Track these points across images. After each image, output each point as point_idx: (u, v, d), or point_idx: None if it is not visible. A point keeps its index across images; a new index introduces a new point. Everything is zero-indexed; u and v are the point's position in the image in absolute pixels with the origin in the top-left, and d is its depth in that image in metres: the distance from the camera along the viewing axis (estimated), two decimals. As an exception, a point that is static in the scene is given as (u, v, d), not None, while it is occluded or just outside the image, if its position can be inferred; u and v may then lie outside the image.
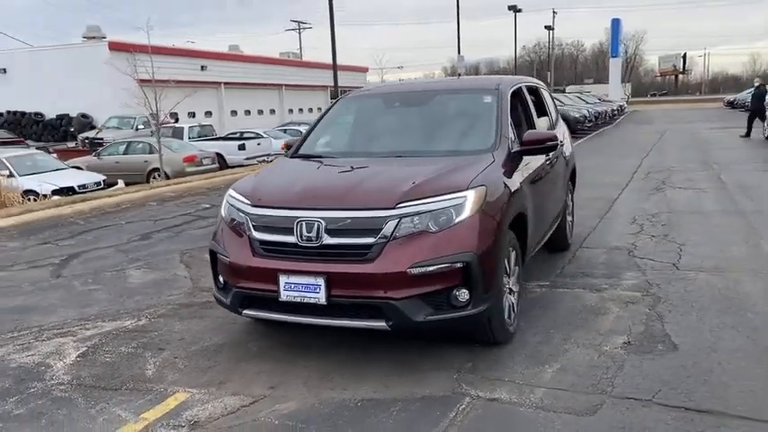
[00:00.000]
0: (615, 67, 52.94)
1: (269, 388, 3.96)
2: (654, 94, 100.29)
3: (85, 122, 29.92)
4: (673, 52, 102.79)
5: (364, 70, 51.06)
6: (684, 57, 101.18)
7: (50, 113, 31.26)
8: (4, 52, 32.26)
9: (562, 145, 6.61)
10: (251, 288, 4.17)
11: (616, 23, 52.75)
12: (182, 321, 5.19)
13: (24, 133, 31.09)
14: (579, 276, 6.07)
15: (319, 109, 46.08)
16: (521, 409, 3.56)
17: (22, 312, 5.60)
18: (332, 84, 44.18)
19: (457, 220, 3.98)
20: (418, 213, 3.94)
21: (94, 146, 23.09)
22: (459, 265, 3.90)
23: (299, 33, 68.68)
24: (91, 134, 26.36)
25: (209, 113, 35.03)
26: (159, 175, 17.37)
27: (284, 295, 4.01)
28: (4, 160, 14.96)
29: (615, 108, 38.16)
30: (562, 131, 7.01)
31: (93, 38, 31.47)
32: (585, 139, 23.46)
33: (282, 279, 4.00)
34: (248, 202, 4.35)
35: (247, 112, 38.27)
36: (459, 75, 34.46)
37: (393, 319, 3.87)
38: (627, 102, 59.20)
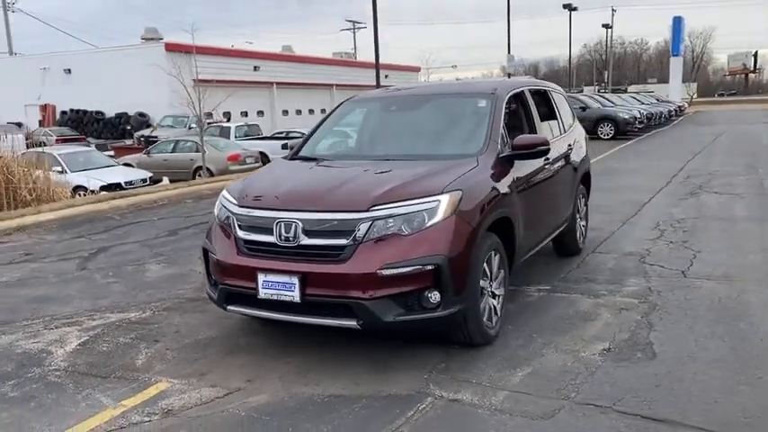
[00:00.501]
0: (676, 66, 51.29)
1: (246, 381, 4.13)
2: (721, 94, 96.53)
3: (142, 121, 31.07)
4: (743, 50, 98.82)
5: (416, 70, 51.06)
6: (755, 55, 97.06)
7: (110, 112, 32.58)
8: (69, 53, 33.80)
9: (570, 149, 6.57)
10: (234, 285, 4.35)
11: (678, 21, 51.11)
12: (183, 315, 5.43)
13: (86, 131, 32.54)
14: (582, 282, 6.03)
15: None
16: (478, 410, 3.61)
17: (41, 302, 5.96)
18: (384, 83, 44.34)
19: (429, 224, 4.06)
20: (391, 216, 4.03)
21: (149, 143, 23.94)
22: (429, 267, 3.98)
23: (354, 33, 69.24)
24: (146, 132, 27.35)
25: (261, 113, 35.80)
26: (203, 173, 17.91)
27: (262, 293, 4.18)
28: (58, 157, 15.74)
29: (673, 109, 37.01)
30: (575, 136, 6.96)
31: (151, 39, 32.62)
32: (634, 141, 22.91)
33: (261, 277, 4.17)
34: (235, 202, 4.54)
35: (298, 112, 38.90)
36: (509, 75, 34.15)
37: (363, 319, 3.98)
38: (690, 102, 57.31)
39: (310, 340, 4.70)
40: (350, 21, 67.77)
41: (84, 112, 33.15)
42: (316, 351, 4.55)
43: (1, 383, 4.20)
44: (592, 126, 24.11)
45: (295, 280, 4.04)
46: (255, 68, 34.90)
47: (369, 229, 4.01)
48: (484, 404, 3.68)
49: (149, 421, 3.64)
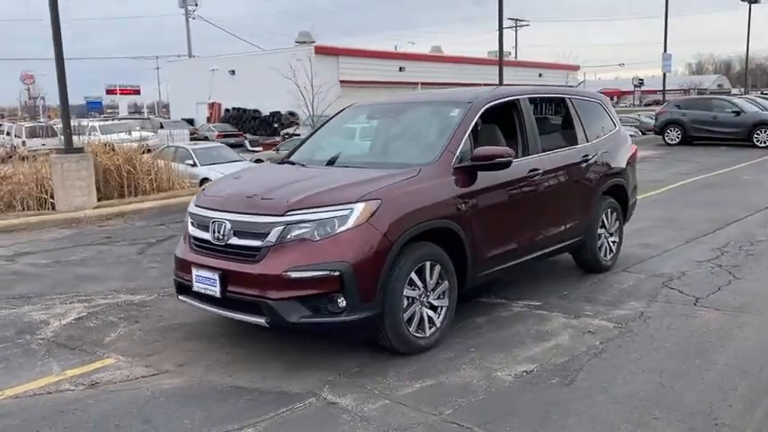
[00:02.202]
0: None
1: (178, 365, 4.53)
2: None
3: (292, 120, 33.15)
4: None
5: (574, 68, 49.25)
6: None
7: (265, 110, 35.11)
8: (234, 56, 36.90)
9: (587, 159, 6.22)
10: (181, 278, 4.79)
11: None
12: (177, 302, 5.95)
13: (244, 128, 35.39)
14: (579, 300, 5.75)
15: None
16: (343, 415, 3.70)
17: (82, 280, 6.83)
18: (539, 82, 43.43)
19: (338, 231, 4.19)
20: (304, 221, 4.22)
21: (290, 141, 25.55)
22: (335, 273, 4.12)
23: (516, 31, 68.12)
24: (290, 130, 29.19)
25: (405, 112, 36.57)
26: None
27: (195, 286, 4.57)
28: (191, 151, 17.42)
29: None
30: (604, 146, 6.53)
31: (304, 42, 34.66)
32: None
33: (194, 272, 4.56)
34: (194, 201, 4.97)
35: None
36: (665, 75, 31.88)
37: (270, 317, 4.21)
38: None
39: (264, 334, 4.96)
40: (511, 19, 66.67)
41: (244, 110, 36.06)
42: (260, 345, 4.83)
43: (-7, 345, 4.98)
44: (746, 132, 21.84)
45: (216, 276, 4.37)
46: (401, 69, 35.75)
47: (282, 232, 4.23)
48: (354, 410, 3.76)
49: (72, 390, 4.16)
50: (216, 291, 4.39)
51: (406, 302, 4.45)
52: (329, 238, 4.19)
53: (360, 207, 4.24)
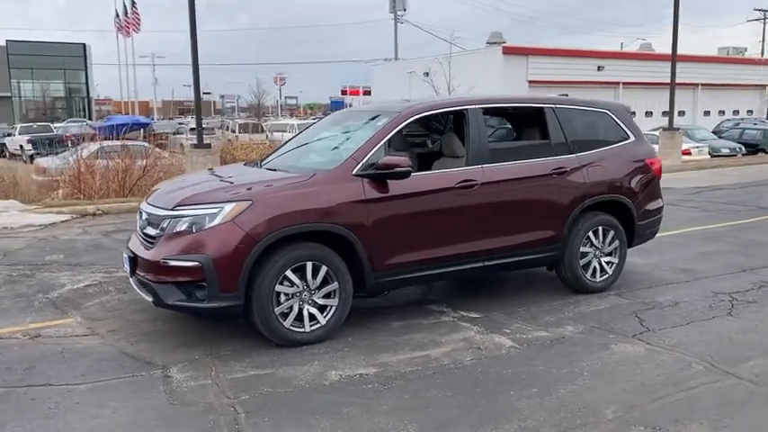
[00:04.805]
0: None
1: (109, 331, 5.36)
2: None
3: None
4: None
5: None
6: None
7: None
8: (428, 58, 37.97)
9: (560, 172, 5.89)
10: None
11: None
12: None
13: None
14: (520, 318, 5.57)
15: (749, 111, 40.49)
16: (161, 386, 4.21)
17: (134, 256, 8.09)
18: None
19: (207, 227, 4.70)
20: (183, 216, 4.80)
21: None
22: (198, 263, 4.65)
23: (764, 24, 60.24)
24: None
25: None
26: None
27: (124, 266, 5.39)
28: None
29: None
30: (590, 159, 6.07)
31: (495, 43, 34.51)
32: None
33: (123, 253, 5.38)
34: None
35: (648, 114, 36.37)
36: None
37: (154, 297, 4.86)
38: None
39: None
40: (759, 10, 59.14)
41: (434, 109, 37.06)
42: (188, 324, 5.45)
43: (12, 298, 6.26)
44: None
45: (127, 258, 5.15)
46: (599, 68, 33.93)
47: (168, 225, 4.85)
48: (175, 385, 4.25)
49: (17, 339, 5.18)
50: (128, 270, 5.17)
51: (284, 297, 4.81)
52: (201, 232, 4.71)
53: (228, 207, 4.70)
